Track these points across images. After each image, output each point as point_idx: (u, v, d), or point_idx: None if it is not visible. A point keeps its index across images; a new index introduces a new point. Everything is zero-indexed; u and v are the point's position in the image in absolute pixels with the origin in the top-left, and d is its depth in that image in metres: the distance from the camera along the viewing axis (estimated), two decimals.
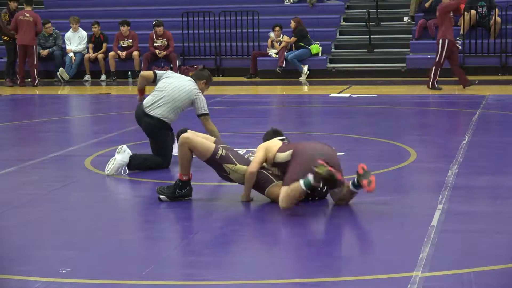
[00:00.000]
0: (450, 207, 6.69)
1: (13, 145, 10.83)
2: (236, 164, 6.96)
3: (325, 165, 6.39)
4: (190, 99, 8.42)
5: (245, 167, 6.96)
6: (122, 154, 8.25)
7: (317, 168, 6.37)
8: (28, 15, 18.18)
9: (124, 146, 8.36)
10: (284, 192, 6.58)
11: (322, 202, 6.94)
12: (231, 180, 7.06)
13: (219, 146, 7.04)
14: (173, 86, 8.46)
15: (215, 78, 18.62)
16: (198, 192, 7.18)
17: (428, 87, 15.69)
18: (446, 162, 8.48)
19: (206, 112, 8.42)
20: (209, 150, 6.94)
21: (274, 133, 7.33)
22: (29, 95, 16.88)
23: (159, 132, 8.52)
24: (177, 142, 7.22)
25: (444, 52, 15.46)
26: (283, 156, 6.86)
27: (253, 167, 6.89)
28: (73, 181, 8.10)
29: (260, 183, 6.95)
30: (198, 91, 8.45)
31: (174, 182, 7.11)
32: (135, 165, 8.35)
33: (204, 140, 7.00)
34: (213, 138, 7.27)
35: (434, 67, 15.69)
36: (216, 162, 6.97)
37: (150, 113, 8.45)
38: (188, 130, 7.22)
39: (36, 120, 13.11)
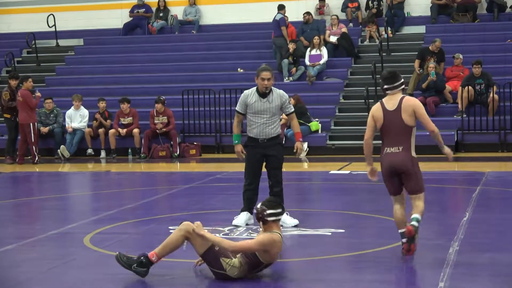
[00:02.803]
0: (452, 284, 6.64)
1: (13, 222, 10.79)
2: (232, 258, 6.84)
3: None
4: None
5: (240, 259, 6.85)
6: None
7: None
8: (19, 94, 18.39)
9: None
10: None
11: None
12: (228, 278, 6.85)
13: None
14: None
15: (215, 155, 18.75)
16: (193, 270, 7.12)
17: None
18: (447, 239, 8.45)
19: (236, 109, 10.34)
20: (208, 242, 6.86)
21: (387, 79, 7.60)
22: (29, 173, 16.90)
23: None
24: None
25: None
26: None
27: (367, 135, 7.60)
28: (72, 258, 8.05)
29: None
30: (242, 95, 10.26)
31: (141, 256, 7.01)
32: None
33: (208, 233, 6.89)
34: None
35: None
36: (213, 254, 6.83)
37: None
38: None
39: (36, 198, 13.09)
